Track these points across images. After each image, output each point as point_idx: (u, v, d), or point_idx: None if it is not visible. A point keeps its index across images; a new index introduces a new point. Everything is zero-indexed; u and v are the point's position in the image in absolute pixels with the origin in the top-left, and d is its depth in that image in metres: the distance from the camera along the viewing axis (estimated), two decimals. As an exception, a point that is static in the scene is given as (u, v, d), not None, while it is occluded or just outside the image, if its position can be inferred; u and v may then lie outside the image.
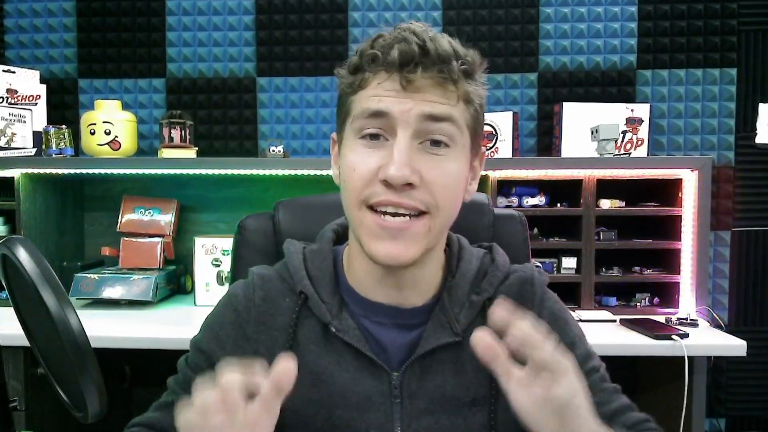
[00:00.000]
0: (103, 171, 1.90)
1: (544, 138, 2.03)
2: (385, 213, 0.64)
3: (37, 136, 1.91)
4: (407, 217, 0.64)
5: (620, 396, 0.75)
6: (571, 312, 0.81)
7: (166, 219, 1.94)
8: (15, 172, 1.75)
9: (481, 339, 0.52)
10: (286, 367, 0.51)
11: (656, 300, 1.79)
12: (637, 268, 1.80)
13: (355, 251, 0.73)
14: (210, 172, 1.93)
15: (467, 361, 0.71)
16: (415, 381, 0.70)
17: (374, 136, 0.65)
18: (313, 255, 0.77)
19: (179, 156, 1.82)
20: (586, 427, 0.55)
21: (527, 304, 0.75)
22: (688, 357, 1.43)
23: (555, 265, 1.76)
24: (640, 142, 1.91)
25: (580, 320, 1.44)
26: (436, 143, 0.65)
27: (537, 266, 0.83)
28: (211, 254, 1.82)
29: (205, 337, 0.76)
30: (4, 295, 1.24)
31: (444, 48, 0.64)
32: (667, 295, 1.77)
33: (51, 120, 1.98)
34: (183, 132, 1.87)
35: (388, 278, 0.71)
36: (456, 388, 0.71)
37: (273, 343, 0.73)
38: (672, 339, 1.44)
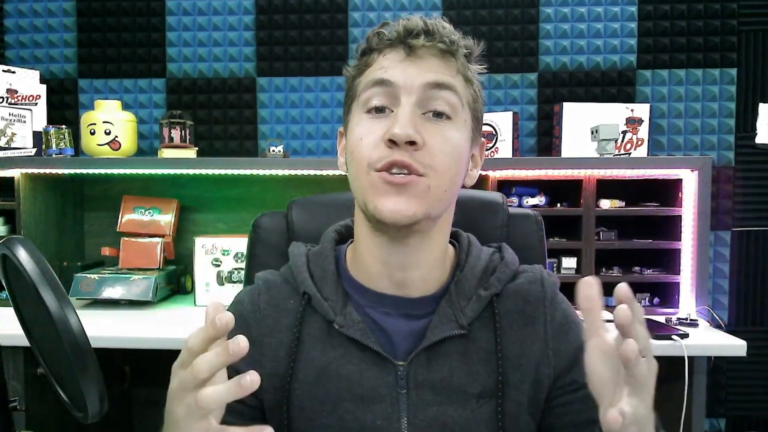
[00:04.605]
0: (103, 171, 1.90)
1: (544, 138, 2.03)
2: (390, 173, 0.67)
3: (37, 136, 1.91)
4: (409, 174, 0.66)
5: None
6: None
7: (166, 219, 1.94)
8: (15, 172, 1.75)
9: (586, 286, 0.54)
10: (251, 378, 0.49)
11: (656, 300, 1.79)
12: (637, 268, 1.80)
13: (362, 233, 0.74)
14: (210, 172, 1.93)
15: (474, 354, 0.72)
16: (422, 372, 0.71)
17: (380, 109, 0.68)
18: (316, 256, 0.79)
19: (179, 156, 1.82)
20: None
21: (538, 304, 0.74)
22: (688, 357, 1.43)
23: (555, 265, 1.76)
24: (640, 142, 1.91)
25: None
26: (438, 114, 0.68)
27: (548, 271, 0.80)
28: (211, 254, 1.82)
29: None
30: (4, 295, 1.24)
31: (445, 26, 0.69)
32: (667, 295, 1.77)
33: (51, 120, 1.98)
34: (183, 132, 1.87)
35: (392, 254, 0.71)
36: (463, 380, 0.71)
37: (278, 345, 0.75)
38: (672, 339, 1.44)
